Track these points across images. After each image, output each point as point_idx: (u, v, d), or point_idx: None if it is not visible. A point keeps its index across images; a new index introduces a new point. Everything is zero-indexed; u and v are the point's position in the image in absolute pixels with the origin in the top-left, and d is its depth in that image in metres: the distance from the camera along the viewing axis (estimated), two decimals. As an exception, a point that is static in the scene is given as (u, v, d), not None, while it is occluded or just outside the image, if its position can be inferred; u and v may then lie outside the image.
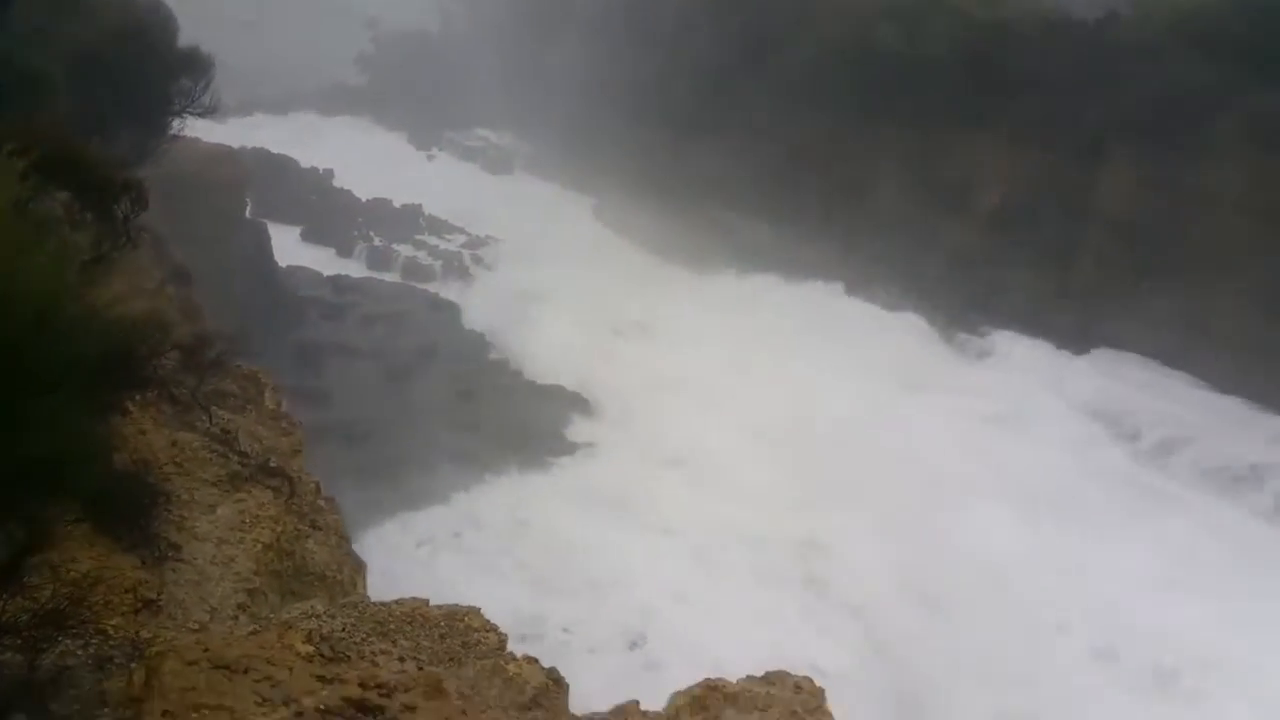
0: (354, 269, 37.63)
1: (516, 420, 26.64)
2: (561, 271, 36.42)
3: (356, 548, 9.27)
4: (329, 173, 48.86)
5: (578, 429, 26.86)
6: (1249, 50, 29.99)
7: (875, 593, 21.00)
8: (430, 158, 55.24)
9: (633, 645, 18.49)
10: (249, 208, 30.67)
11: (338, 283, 35.75)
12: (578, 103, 52.28)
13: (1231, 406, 29.00)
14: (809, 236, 41.39)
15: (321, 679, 3.37)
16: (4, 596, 3.37)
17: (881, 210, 39.58)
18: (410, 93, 60.17)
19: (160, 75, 17.38)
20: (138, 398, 6.64)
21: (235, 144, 34.23)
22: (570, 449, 25.61)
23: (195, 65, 17.56)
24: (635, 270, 39.04)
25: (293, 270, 35.30)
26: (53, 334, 3.30)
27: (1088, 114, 33.71)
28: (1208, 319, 30.51)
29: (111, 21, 16.28)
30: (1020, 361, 33.04)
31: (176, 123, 18.52)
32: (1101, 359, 32.54)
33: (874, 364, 31.00)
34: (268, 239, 31.10)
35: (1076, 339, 33.48)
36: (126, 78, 15.93)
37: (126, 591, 5.09)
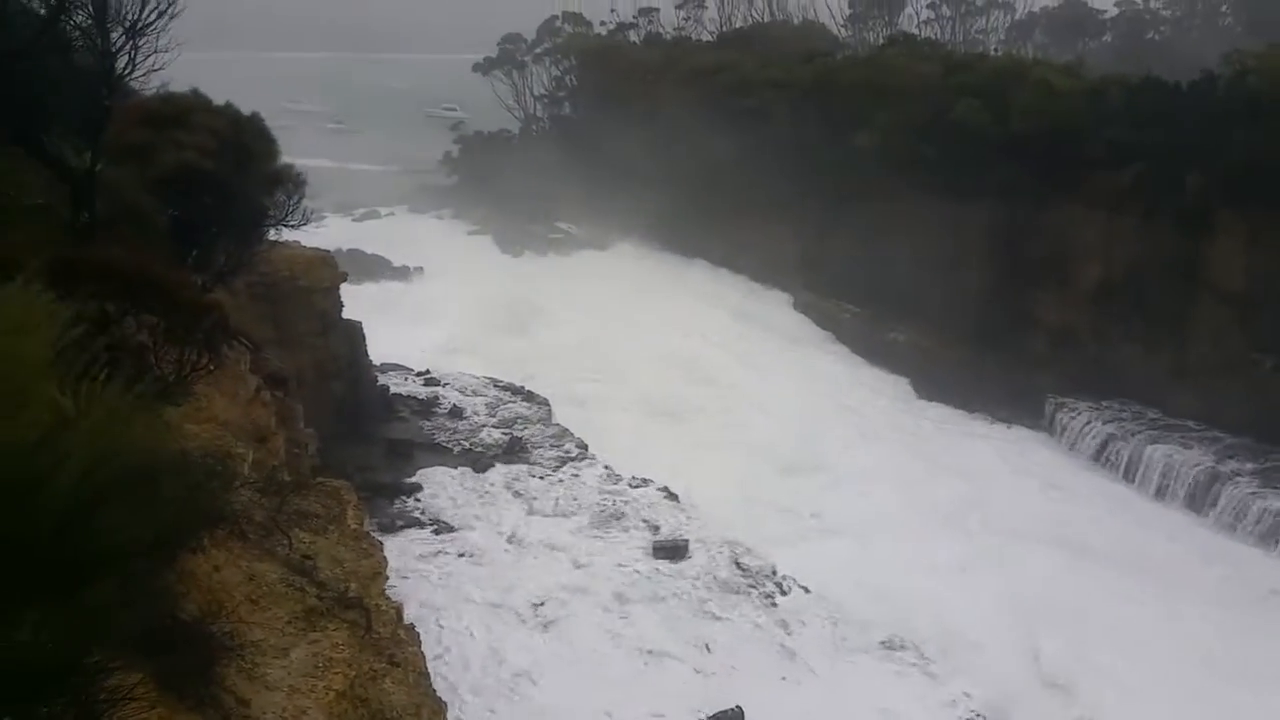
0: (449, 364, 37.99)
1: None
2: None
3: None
4: (419, 270, 50.24)
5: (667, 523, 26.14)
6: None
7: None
8: (516, 255, 56.35)
9: None
10: (344, 308, 31.31)
11: (428, 378, 36.14)
12: (652, 192, 52.97)
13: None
14: (896, 316, 40.52)
15: None
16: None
17: (973, 288, 38.58)
18: (492, 189, 62.06)
19: (256, 189, 17.93)
20: (213, 533, 6.43)
21: (330, 244, 35.20)
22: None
23: (289, 180, 18.12)
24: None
25: (386, 367, 35.88)
26: (101, 504, 2.93)
27: (1189, 180, 32.47)
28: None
29: (211, 140, 16.85)
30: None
31: (271, 233, 19.10)
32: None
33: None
34: (362, 338, 31.67)
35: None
36: (225, 192, 16.41)
37: (186, 762, 4.74)
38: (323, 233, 31.65)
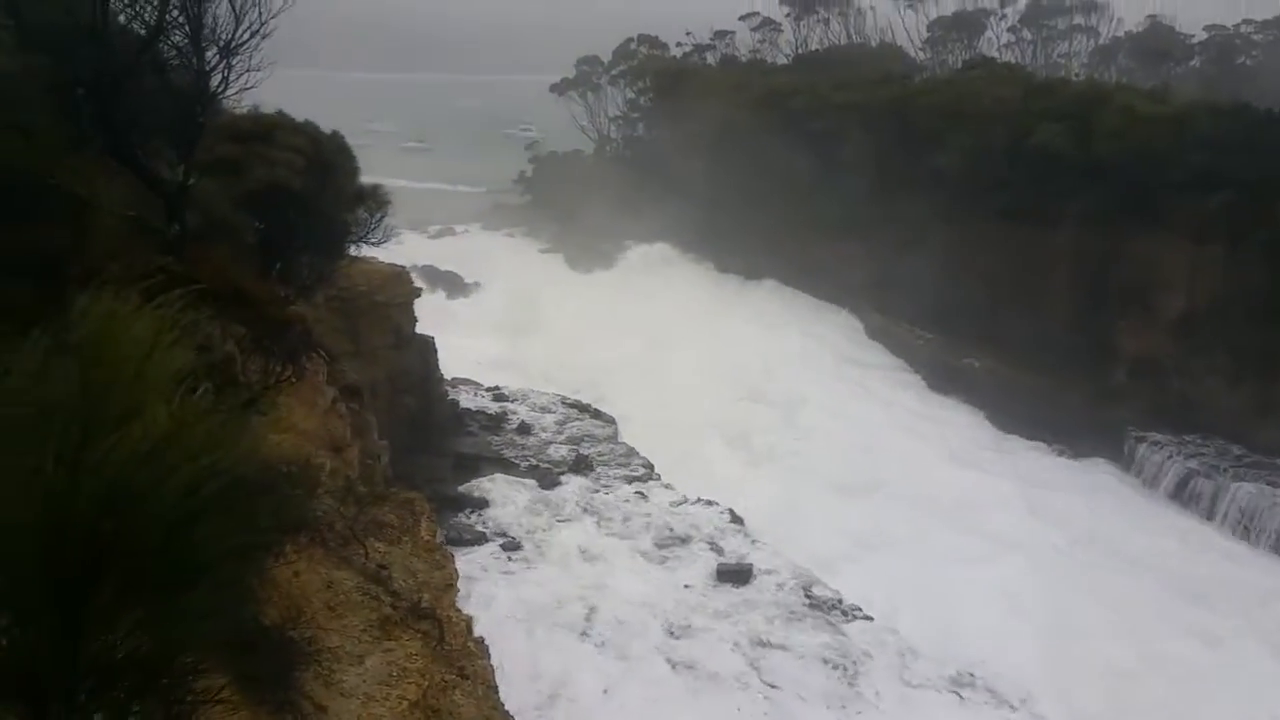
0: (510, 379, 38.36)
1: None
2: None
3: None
4: (488, 286, 51.02)
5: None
6: None
7: None
8: (586, 273, 56.83)
9: None
10: (418, 323, 31.82)
11: (497, 393, 36.52)
12: (723, 213, 52.96)
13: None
14: (971, 343, 39.77)
15: None
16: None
17: (1052, 316, 37.76)
18: (564, 208, 62.78)
19: (340, 207, 18.37)
20: (295, 540, 6.59)
21: (405, 260, 35.80)
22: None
23: (371, 198, 18.56)
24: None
25: (456, 381, 36.37)
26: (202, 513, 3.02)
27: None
28: None
29: (298, 158, 17.30)
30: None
31: (352, 249, 19.56)
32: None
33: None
34: (434, 352, 32.14)
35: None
36: (309, 209, 16.82)
37: (266, 765, 4.85)
38: (398, 249, 32.12)
